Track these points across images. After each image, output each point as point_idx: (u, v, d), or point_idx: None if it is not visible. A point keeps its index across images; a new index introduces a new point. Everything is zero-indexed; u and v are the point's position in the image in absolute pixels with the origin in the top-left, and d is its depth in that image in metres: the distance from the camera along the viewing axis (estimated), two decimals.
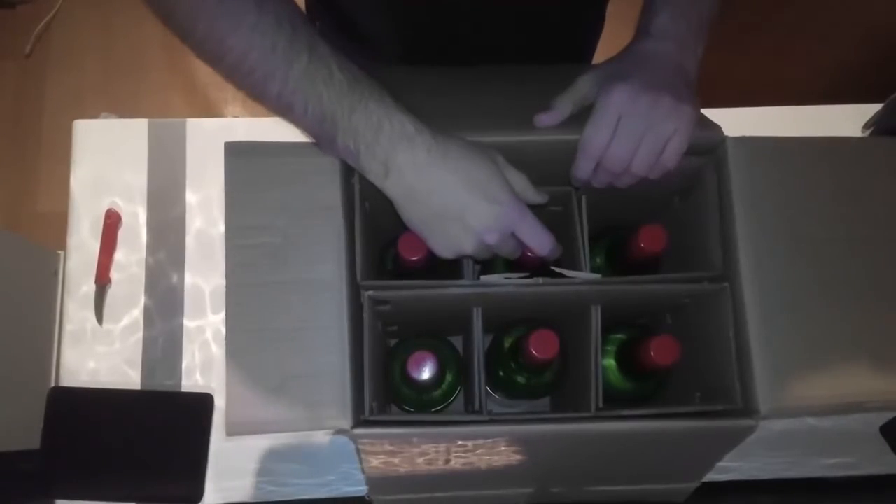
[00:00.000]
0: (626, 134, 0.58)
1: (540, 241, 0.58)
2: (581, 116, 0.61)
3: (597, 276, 0.62)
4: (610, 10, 0.90)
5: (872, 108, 0.88)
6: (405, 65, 0.85)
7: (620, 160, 0.59)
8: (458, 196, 0.56)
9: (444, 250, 0.58)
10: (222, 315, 0.83)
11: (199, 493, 0.78)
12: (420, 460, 0.60)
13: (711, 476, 0.67)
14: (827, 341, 0.58)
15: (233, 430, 0.55)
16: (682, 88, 0.59)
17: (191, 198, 0.87)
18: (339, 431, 0.56)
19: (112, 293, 0.84)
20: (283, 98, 0.54)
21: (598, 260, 0.71)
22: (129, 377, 0.82)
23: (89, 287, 0.83)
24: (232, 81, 0.55)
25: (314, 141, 0.58)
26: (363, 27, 0.84)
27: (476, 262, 0.64)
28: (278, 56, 0.53)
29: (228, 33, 0.52)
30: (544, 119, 0.63)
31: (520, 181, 0.59)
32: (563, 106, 0.63)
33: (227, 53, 0.53)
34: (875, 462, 0.81)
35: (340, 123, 0.54)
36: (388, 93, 0.55)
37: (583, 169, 0.61)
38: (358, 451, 0.58)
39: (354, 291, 0.59)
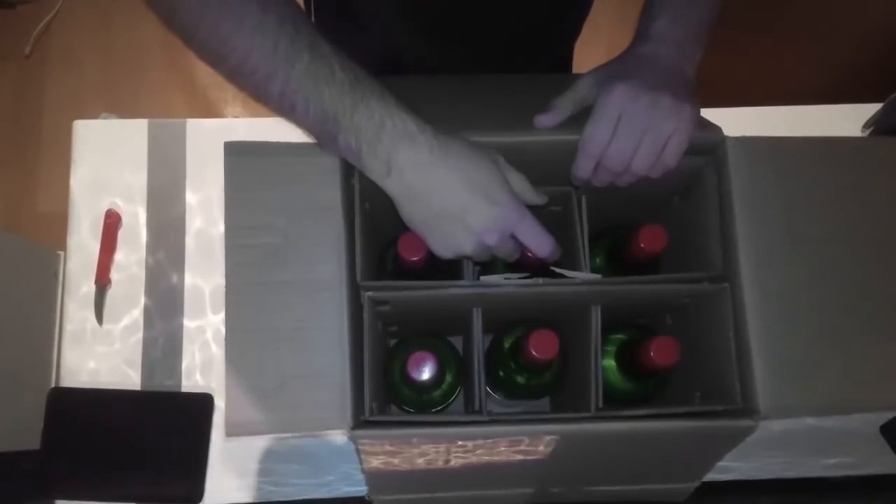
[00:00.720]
0: (626, 133, 0.58)
1: (539, 243, 0.58)
2: (581, 117, 0.61)
3: (597, 276, 0.62)
4: (607, 13, 0.90)
5: (872, 108, 0.88)
6: (398, 43, 0.85)
7: (621, 159, 0.59)
8: (458, 196, 0.56)
9: (444, 250, 0.58)
10: (222, 315, 0.82)
11: (199, 493, 0.78)
12: (420, 460, 0.60)
13: (711, 476, 0.67)
14: (827, 341, 0.58)
15: (232, 431, 0.55)
16: (682, 89, 0.59)
17: (191, 198, 0.86)
18: (338, 430, 0.56)
19: (112, 293, 0.84)
20: (285, 98, 0.54)
21: (598, 260, 0.71)
22: (129, 377, 0.82)
23: (89, 287, 0.83)
24: (234, 82, 0.55)
25: (316, 140, 0.58)
26: (361, 4, 0.84)
27: (476, 263, 0.64)
28: (280, 56, 0.53)
29: (231, 34, 0.53)
30: (544, 120, 0.63)
31: (519, 182, 0.59)
32: (563, 106, 0.63)
33: (229, 54, 0.53)
34: (875, 462, 0.81)
35: (342, 122, 0.54)
36: (389, 92, 0.55)
37: (583, 168, 0.61)
38: (358, 451, 0.58)
39: (354, 292, 0.59)
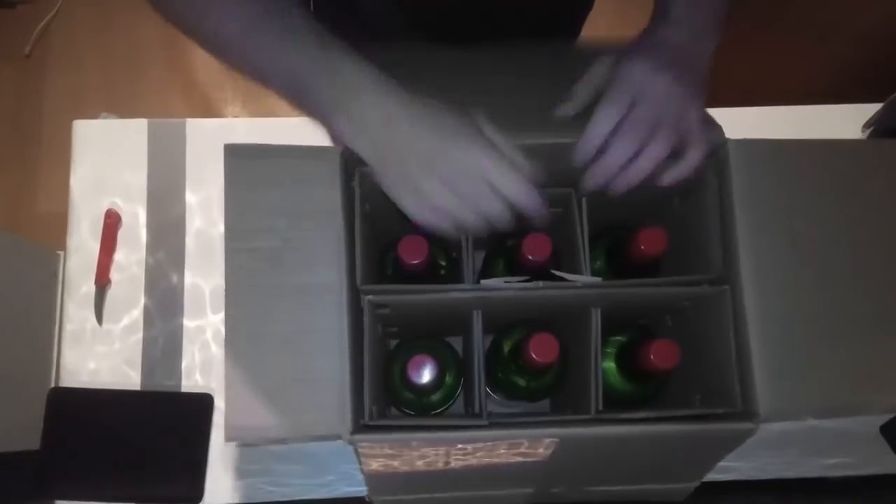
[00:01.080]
0: (636, 121, 0.57)
1: (517, 190, 0.54)
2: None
3: (597, 279, 0.62)
4: (607, 12, 0.90)
5: (872, 108, 0.88)
6: (404, 42, 0.85)
7: (627, 146, 0.57)
8: (427, 144, 0.54)
9: (419, 210, 0.55)
10: (222, 315, 0.82)
11: (199, 493, 0.78)
12: (419, 463, 0.60)
13: (711, 476, 0.67)
14: (827, 343, 0.58)
15: (232, 435, 0.55)
16: (695, 84, 0.58)
17: (190, 198, 0.87)
18: (338, 436, 0.56)
19: (112, 293, 0.84)
20: (258, 66, 0.55)
21: (598, 262, 0.71)
22: (129, 377, 0.82)
23: (89, 287, 0.83)
24: (212, 54, 0.56)
25: (290, 102, 0.57)
26: (363, 4, 0.84)
27: (476, 260, 0.63)
28: (253, 25, 0.53)
29: (205, 4, 0.54)
30: (564, 110, 0.62)
31: (500, 139, 0.56)
32: (582, 93, 0.62)
33: (201, 24, 0.55)
34: (875, 462, 0.81)
35: (312, 83, 0.54)
36: (359, 54, 0.55)
37: (585, 149, 0.59)
38: (357, 454, 0.58)
39: (354, 295, 0.59)
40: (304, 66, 0.54)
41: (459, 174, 0.54)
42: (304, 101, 0.55)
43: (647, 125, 0.57)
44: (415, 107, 0.54)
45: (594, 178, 0.60)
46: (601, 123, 0.58)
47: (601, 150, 0.59)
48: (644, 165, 0.58)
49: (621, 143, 0.57)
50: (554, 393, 0.74)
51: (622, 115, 0.57)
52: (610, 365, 0.68)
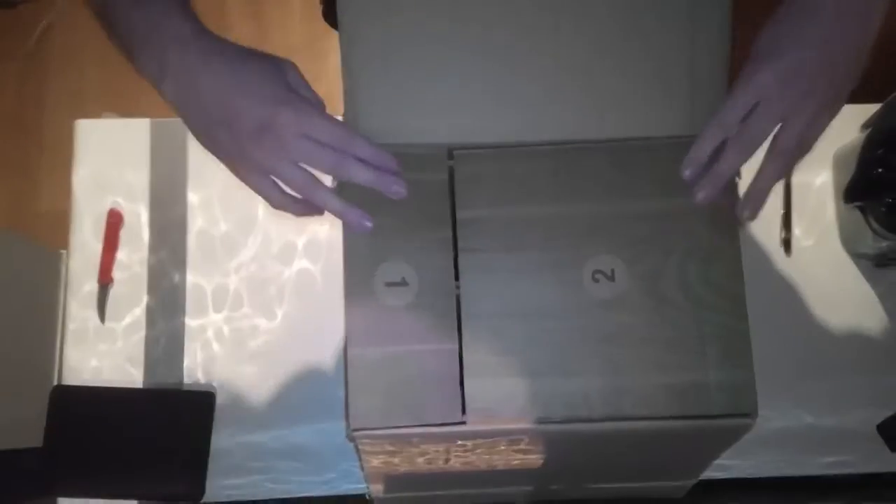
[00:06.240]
0: (759, 118, 0.51)
1: (333, 134, 0.51)
2: None
3: None
4: None
5: (872, 108, 0.88)
6: None
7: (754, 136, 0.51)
8: (228, 100, 0.51)
9: (230, 165, 0.54)
10: (223, 314, 0.83)
11: (201, 490, 0.78)
12: (420, 460, 0.60)
13: (709, 474, 0.67)
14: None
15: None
16: (846, 62, 0.51)
17: (192, 197, 0.87)
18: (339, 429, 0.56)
19: (114, 292, 0.84)
20: (104, 21, 0.54)
21: None
22: (131, 375, 0.82)
23: (92, 286, 0.84)
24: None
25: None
26: None
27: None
28: None
29: None
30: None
31: (308, 90, 0.54)
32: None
33: None
34: (872, 460, 0.81)
35: (121, 17, 0.53)
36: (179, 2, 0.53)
37: (703, 147, 0.53)
38: (357, 450, 0.58)
39: None
40: (120, 10, 0.52)
41: (262, 128, 0.50)
42: (110, 33, 0.54)
43: (770, 124, 0.51)
44: (221, 56, 0.52)
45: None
46: (725, 122, 0.52)
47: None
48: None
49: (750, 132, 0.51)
50: None
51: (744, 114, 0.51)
52: None
